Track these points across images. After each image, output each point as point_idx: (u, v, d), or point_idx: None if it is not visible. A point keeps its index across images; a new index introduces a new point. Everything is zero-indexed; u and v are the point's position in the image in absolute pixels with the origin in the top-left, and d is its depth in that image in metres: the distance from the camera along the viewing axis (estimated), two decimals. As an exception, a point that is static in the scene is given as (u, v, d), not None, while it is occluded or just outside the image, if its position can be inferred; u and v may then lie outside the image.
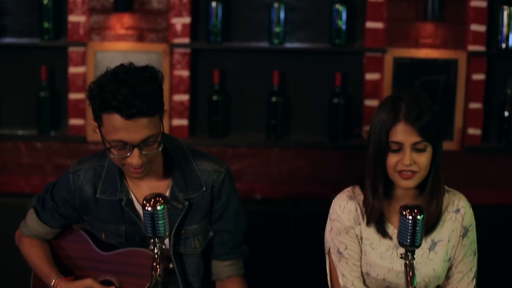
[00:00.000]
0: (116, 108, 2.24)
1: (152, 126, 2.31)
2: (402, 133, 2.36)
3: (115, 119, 2.26)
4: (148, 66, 2.36)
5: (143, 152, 2.32)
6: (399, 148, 2.37)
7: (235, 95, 4.12)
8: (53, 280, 2.60)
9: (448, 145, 3.96)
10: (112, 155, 2.34)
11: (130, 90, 2.24)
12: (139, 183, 2.55)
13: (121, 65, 2.34)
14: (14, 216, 2.93)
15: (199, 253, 2.62)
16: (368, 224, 2.51)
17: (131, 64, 2.35)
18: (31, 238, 2.71)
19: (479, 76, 3.99)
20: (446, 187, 2.57)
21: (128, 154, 2.31)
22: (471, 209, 2.57)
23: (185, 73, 4.02)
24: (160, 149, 2.37)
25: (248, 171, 4.11)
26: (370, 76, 4.01)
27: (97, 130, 2.37)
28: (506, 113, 4.01)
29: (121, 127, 2.27)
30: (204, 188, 2.55)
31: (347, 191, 2.57)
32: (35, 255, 2.68)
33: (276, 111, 4.03)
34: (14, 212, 3.07)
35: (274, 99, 4.02)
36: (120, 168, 2.46)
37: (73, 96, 4.05)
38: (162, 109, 2.37)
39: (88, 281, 2.56)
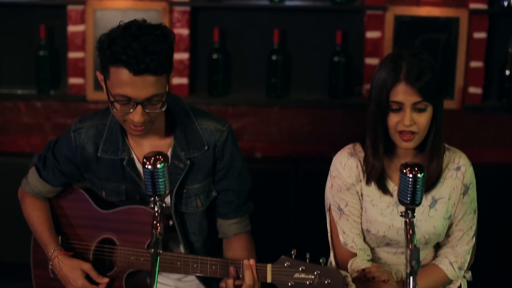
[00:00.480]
0: (125, 62, 2.23)
1: (158, 85, 2.29)
2: (402, 93, 2.35)
3: (123, 73, 2.25)
4: (161, 25, 2.34)
5: (146, 111, 2.31)
6: (400, 107, 2.36)
7: (235, 53, 4.10)
8: (52, 251, 2.60)
9: (448, 104, 3.96)
10: (114, 110, 2.33)
11: (141, 46, 2.23)
12: (141, 142, 2.54)
13: (135, 21, 2.31)
14: (15, 176, 2.93)
15: (200, 213, 2.62)
16: (368, 182, 2.51)
17: (144, 20, 2.33)
18: (34, 199, 2.72)
19: (480, 35, 3.96)
20: (446, 145, 2.57)
21: (131, 110, 2.30)
22: (472, 167, 2.57)
23: (184, 31, 4.00)
24: (163, 109, 2.36)
25: (248, 130, 4.10)
26: (370, 34, 3.99)
27: (102, 83, 2.37)
28: (507, 72, 3.99)
29: (127, 82, 2.26)
30: (206, 147, 2.54)
31: (348, 148, 2.57)
32: (36, 219, 2.69)
33: (276, 70, 4.01)
34: (14, 171, 3.07)
35: (274, 57, 4.00)
36: (122, 125, 2.46)
37: (72, 55, 4.03)
38: (170, 70, 2.35)
39: (86, 266, 2.56)
